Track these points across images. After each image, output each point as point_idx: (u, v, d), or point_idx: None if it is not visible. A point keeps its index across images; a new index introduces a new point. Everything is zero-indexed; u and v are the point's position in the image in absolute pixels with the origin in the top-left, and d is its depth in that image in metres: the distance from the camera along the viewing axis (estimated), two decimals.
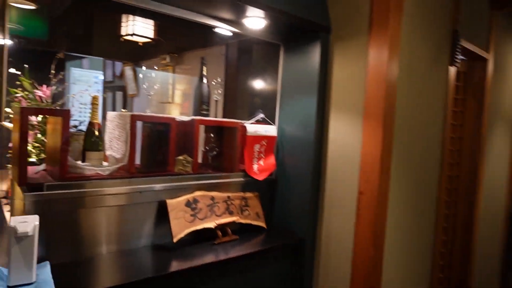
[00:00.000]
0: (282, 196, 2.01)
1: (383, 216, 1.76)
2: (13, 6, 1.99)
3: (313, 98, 1.83)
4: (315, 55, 1.83)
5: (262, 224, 1.90)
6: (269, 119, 1.98)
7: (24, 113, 1.28)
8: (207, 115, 1.83)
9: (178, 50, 2.87)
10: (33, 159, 2.18)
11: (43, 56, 2.93)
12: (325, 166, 1.90)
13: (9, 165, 2.20)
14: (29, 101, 2.18)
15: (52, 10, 2.44)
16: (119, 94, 3.58)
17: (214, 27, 1.76)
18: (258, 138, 1.89)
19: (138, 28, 2.37)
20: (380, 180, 1.70)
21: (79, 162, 1.55)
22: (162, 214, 1.57)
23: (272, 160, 1.98)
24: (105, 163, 1.61)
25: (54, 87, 2.22)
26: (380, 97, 1.66)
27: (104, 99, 3.81)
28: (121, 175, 1.52)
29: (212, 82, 1.86)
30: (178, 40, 2.79)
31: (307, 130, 1.85)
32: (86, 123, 1.60)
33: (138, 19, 2.36)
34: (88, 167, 1.48)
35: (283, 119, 1.99)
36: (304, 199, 1.89)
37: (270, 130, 1.95)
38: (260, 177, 1.93)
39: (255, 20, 1.70)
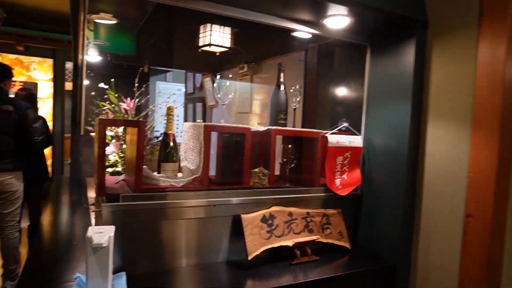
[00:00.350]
0: (368, 214, 1.78)
1: (500, 245, 1.43)
2: (98, 23, 2.09)
3: (407, 104, 1.58)
4: (409, 54, 1.59)
5: (345, 244, 1.70)
6: (353, 129, 1.78)
7: (102, 124, 1.29)
8: (284, 125, 1.70)
9: (256, 58, 2.81)
10: (119, 168, 2.28)
11: (129, 71, 3.12)
12: (421, 183, 1.62)
13: None
14: (115, 113, 2.29)
15: (135, 25, 2.55)
16: (199, 106, 3.66)
17: (293, 30, 1.64)
18: (342, 150, 1.70)
19: (215, 38, 2.35)
20: (496, 202, 1.38)
21: (155, 173, 1.52)
22: (236, 229, 1.47)
23: (357, 173, 1.76)
24: (180, 174, 1.57)
25: (137, 100, 2.30)
26: (495, 101, 1.35)
27: (186, 111, 3.92)
28: (195, 187, 1.46)
29: (290, 90, 1.72)
30: (256, 48, 2.74)
31: (399, 141, 1.61)
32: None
33: (215, 28, 2.35)
34: (162, 179, 1.45)
35: (370, 128, 1.77)
36: (395, 219, 1.64)
37: (355, 140, 1.74)
38: (343, 192, 1.73)
39: (338, 19, 1.53)
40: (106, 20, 1.97)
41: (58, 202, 2.55)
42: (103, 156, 1.29)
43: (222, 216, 1.47)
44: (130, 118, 2.27)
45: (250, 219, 1.46)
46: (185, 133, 1.63)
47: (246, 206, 1.49)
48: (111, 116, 2.26)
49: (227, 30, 2.36)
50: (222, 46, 2.37)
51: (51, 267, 1.33)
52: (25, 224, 3.28)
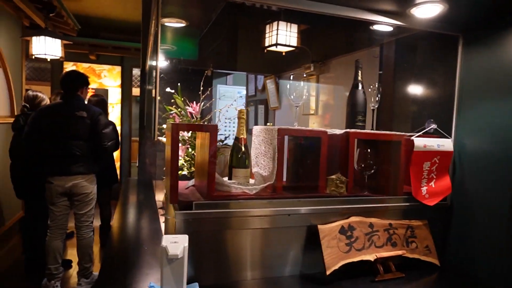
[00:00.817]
0: (460, 227, 1.57)
1: None
2: (166, 26, 2.11)
3: None
4: None
5: (434, 260, 1.51)
6: (442, 131, 1.58)
7: (175, 129, 1.25)
8: (362, 127, 1.55)
9: (323, 57, 2.67)
10: (184, 172, 2.28)
11: (193, 74, 3.15)
12: None
13: (164, 178, 2.35)
14: (181, 117, 2.31)
15: (200, 29, 2.55)
16: (261, 108, 3.60)
17: (372, 23, 1.49)
18: (429, 154, 1.51)
19: (281, 37, 2.26)
20: None
21: (225, 179, 1.47)
22: (312, 241, 1.36)
23: (446, 181, 1.56)
24: (251, 181, 1.50)
25: (202, 104, 2.29)
26: None
27: (247, 114, 3.89)
28: (268, 195, 1.37)
29: (369, 89, 1.57)
30: (323, 47, 2.60)
31: (502, 144, 1.38)
32: (231, 137, 1.54)
33: (282, 27, 2.26)
34: (234, 185, 1.38)
35: (463, 130, 1.55)
36: (495, 235, 1.42)
37: (445, 144, 1.54)
38: (431, 202, 1.54)
39: (428, 8, 1.35)
40: (176, 23, 1.97)
41: (127, 204, 2.64)
42: (176, 162, 1.26)
43: (297, 226, 1.37)
44: (196, 122, 2.28)
45: (328, 230, 1.34)
46: (255, 137, 1.55)
47: (322, 216, 1.38)
48: (178, 120, 2.28)
49: (294, 28, 2.26)
50: (288, 45, 2.27)
51: (124, 273, 1.33)
52: (96, 223, 3.46)
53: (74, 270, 3.58)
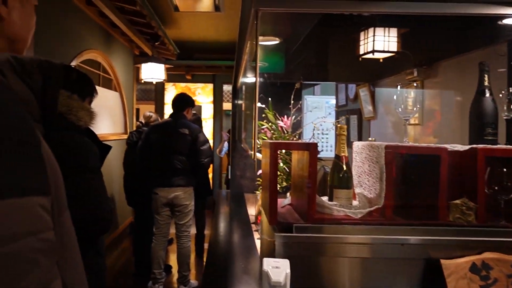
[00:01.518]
0: None
1: None
2: (260, 44, 2.10)
3: None
4: None
5: None
6: None
7: (274, 148, 1.19)
8: (493, 142, 1.30)
9: (428, 61, 2.40)
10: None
11: (281, 88, 3.12)
12: None
13: (258, 191, 2.33)
14: (273, 131, 2.27)
15: (290, 42, 2.51)
16: (353, 118, 3.40)
17: (498, 18, 1.25)
18: None
19: (379, 43, 2.08)
20: None
21: (325, 199, 1.36)
22: (429, 278, 1.16)
23: None
24: (354, 202, 1.36)
25: (293, 117, 2.23)
26: None
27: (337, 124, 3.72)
28: (375, 220, 1.22)
29: (499, 95, 1.31)
30: (428, 49, 2.34)
31: None
32: (324, 150, 1.43)
33: (379, 32, 2.08)
34: (336, 208, 1.26)
35: None
36: None
37: None
38: None
39: None
40: (270, 41, 1.95)
41: (220, 217, 2.69)
42: (275, 182, 1.19)
43: (411, 259, 1.18)
44: (287, 136, 2.22)
45: (454, 266, 1.13)
46: (357, 155, 1.42)
47: (445, 248, 1.17)
48: (269, 134, 2.25)
49: (393, 32, 2.07)
50: (387, 51, 2.08)
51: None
52: (192, 232, 3.66)
53: (174, 276, 3.81)
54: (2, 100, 0.49)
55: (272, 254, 1.17)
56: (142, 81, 4.42)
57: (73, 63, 3.30)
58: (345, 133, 1.33)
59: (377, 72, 2.77)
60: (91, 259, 1.43)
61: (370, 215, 1.24)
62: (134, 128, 4.31)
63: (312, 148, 1.20)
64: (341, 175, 1.30)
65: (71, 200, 1.29)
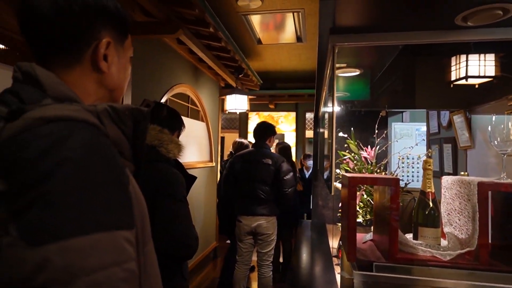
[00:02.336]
0: None
1: None
2: (340, 76, 2.11)
3: None
4: None
5: None
6: None
7: (352, 183, 1.17)
8: None
9: None
10: (359, 219, 2.15)
11: (365, 116, 3.04)
12: None
13: (339, 223, 2.27)
14: (355, 162, 2.22)
15: (374, 70, 2.46)
16: (447, 148, 3.13)
17: None
18: None
19: (473, 69, 1.93)
20: None
21: (409, 237, 1.28)
22: None
23: None
24: (443, 242, 1.26)
25: (377, 147, 2.15)
26: None
27: (431, 156, 3.46)
28: (468, 264, 1.11)
29: None
30: None
31: None
32: (414, 180, 1.35)
33: (473, 57, 1.94)
34: (422, 248, 1.18)
35: None
36: None
37: None
38: None
39: None
40: (350, 73, 1.96)
41: (302, 247, 2.66)
42: (353, 219, 1.17)
43: None
44: (370, 168, 2.14)
45: None
46: (446, 190, 1.32)
47: None
48: (351, 165, 2.20)
49: (490, 57, 1.91)
50: (483, 77, 1.92)
51: None
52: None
53: None
54: (98, 144, 0.57)
55: None
56: (227, 112, 4.69)
57: (165, 97, 3.66)
58: (431, 167, 1.26)
59: (473, 98, 2.54)
60: (177, 283, 1.54)
61: (461, 258, 1.14)
62: (225, 157, 4.57)
63: (393, 183, 1.16)
64: (426, 212, 1.22)
65: (161, 227, 1.43)
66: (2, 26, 1.78)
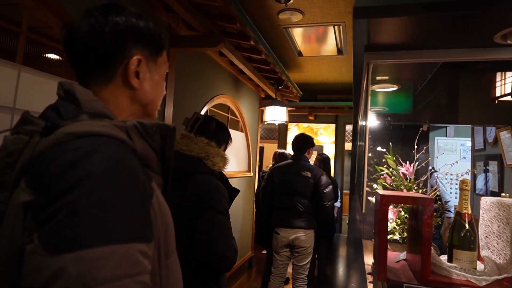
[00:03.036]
0: None
1: None
2: (376, 91, 2.10)
3: None
4: None
5: None
6: None
7: (384, 201, 1.18)
8: None
9: None
10: (396, 237, 2.11)
11: (406, 130, 2.96)
12: None
13: (373, 240, 2.24)
14: (393, 178, 2.18)
15: (415, 84, 2.41)
16: (492, 165, 2.98)
17: None
18: None
19: None
20: None
21: (444, 259, 1.25)
22: None
23: None
24: (480, 266, 1.22)
25: (416, 164, 2.10)
26: None
27: (473, 173, 3.30)
28: None
29: None
30: None
31: None
32: (456, 197, 1.32)
33: None
34: (456, 271, 1.15)
35: None
36: None
37: None
38: None
39: None
40: (387, 89, 1.95)
41: (338, 263, 2.63)
42: (384, 237, 1.17)
43: None
44: (409, 184, 2.09)
45: None
46: (485, 212, 1.28)
47: None
48: (389, 181, 2.16)
49: None
50: None
51: None
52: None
53: None
54: (122, 159, 0.59)
55: None
56: (265, 123, 4.74)
57: (206, 107, 3.77)
58: (468, 187, 1.23)
59: None
60: None
61: (498, 284, 1.10)
62: (264, 168, 4.58)
63: (427, 204, 1.15)
64: (462, 234, 1.19)
65: (202, 239, 1.47)
66: (58, 39, 1.96)
